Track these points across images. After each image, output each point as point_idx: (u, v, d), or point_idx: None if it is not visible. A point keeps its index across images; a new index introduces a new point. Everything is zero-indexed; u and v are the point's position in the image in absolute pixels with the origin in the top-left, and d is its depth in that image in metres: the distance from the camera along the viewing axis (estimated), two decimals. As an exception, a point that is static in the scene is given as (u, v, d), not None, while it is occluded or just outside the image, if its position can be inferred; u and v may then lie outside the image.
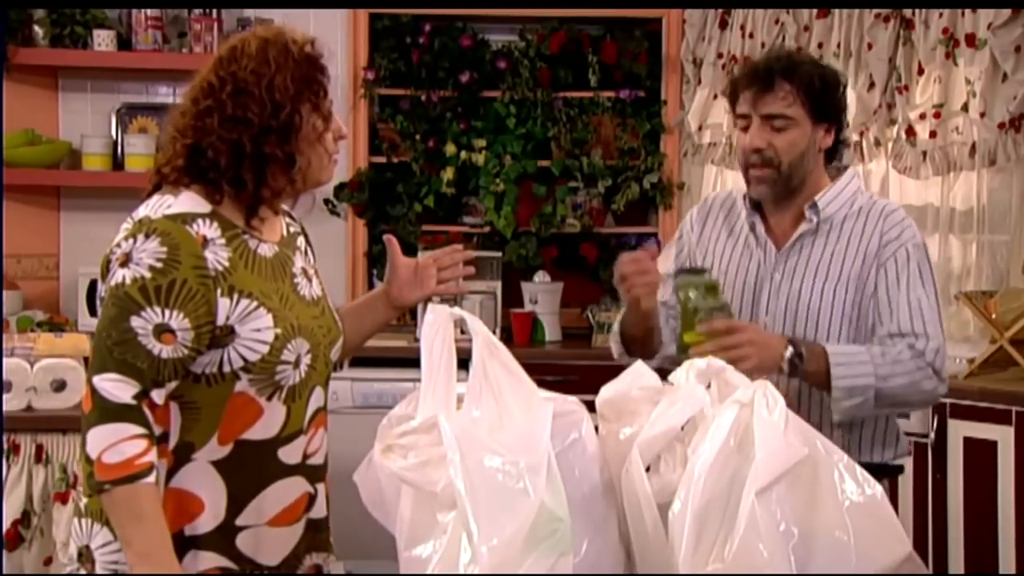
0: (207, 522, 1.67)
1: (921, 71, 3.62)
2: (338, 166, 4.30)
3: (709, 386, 1.48)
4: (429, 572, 1.35)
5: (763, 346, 1.86)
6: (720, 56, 4.01)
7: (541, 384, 1.49)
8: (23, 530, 2.76)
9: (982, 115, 3.52)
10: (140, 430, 1.60)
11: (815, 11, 3.81)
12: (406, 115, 4.08)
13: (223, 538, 1.68)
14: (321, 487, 1.78)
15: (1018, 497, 3.02)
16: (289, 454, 1.72)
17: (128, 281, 1.61)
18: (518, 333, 3.91)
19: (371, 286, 4.18)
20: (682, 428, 1.44)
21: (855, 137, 3.68)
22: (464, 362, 1.46)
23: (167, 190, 1.69)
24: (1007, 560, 3.04)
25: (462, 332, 1.50)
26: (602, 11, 4.08)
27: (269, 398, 1.69)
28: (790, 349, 1.88)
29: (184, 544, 1.66)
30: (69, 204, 4.17)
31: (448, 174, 4.04)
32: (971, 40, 3.53)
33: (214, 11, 4.01)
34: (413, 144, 4.06)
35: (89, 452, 1.60)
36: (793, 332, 1.99)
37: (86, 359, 2.87)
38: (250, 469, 1.69)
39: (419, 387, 1.49)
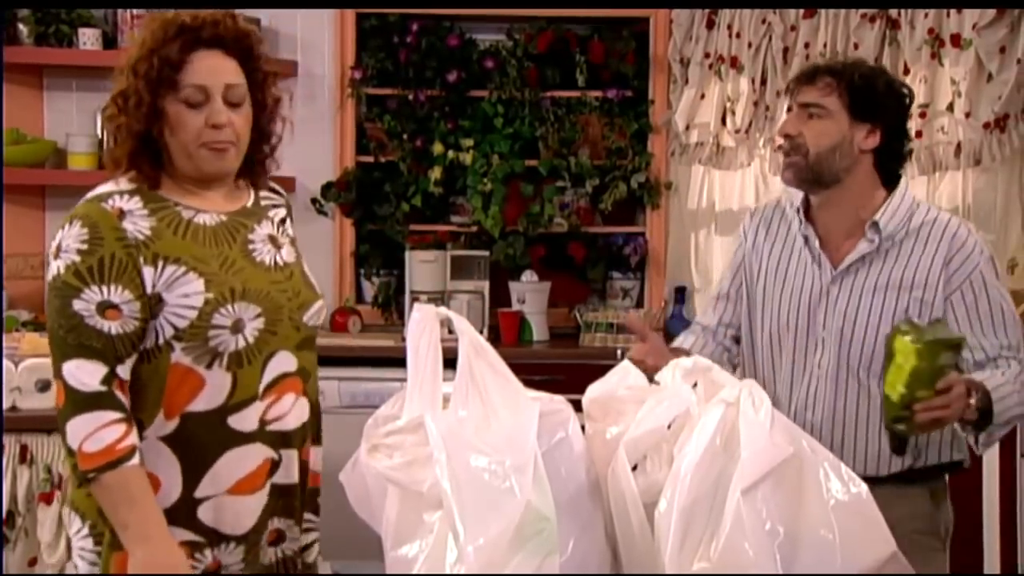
0: (166, 497, 1.67)
1: (907, 71, 3.64)
2: (325, 165, 4.25)
3: (695, 385, 1.49)
4: (415, 572, 1.35)
5: (964, 396, 1.85)
6: (707, 56, 4.02)
7: (528, 384, 1.49)
8: (7, 530, 2.74)
9: (967, 115, 3.54)
10: (116, 415, 1.61)
11: (801, 11, 3.83)
12: (393, 114, 4.08)
13: (184, 512, 1.68)
14: (290, 453, 1.74)
15: (1002, 495, 3.04)
16: (241, 421, 1.70)
17: (62, 270, 1.64)
18: (506, 333, 3.91)
19: (358, 286, 4.17)
20: (668, 427, 1.44)
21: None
22: (451, 362, 1.46)
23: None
24: (992, 557, 3.06)
25: (449, 332, 1.50)
26: (590, 11, 4.08)
27: (208, 366, 1.67)
28: (974, 395, 1.87)
29: None
30: (54, 203, 4.15)
31: (436, 173, 4.03)
32: (956, 40, 3.55)
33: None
34: (400, 143, 4.05)
35: (70, 444, 1.61)
36: (849, 350, 1.99)
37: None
38: (200, 441, 1.68)
39: (405, 387, 1.49)
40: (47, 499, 2.72)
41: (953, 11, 3.55)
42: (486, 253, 4.00)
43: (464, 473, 1.34)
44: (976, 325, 1.98)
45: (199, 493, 1.69)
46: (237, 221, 1.76)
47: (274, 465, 1.73)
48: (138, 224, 1.67)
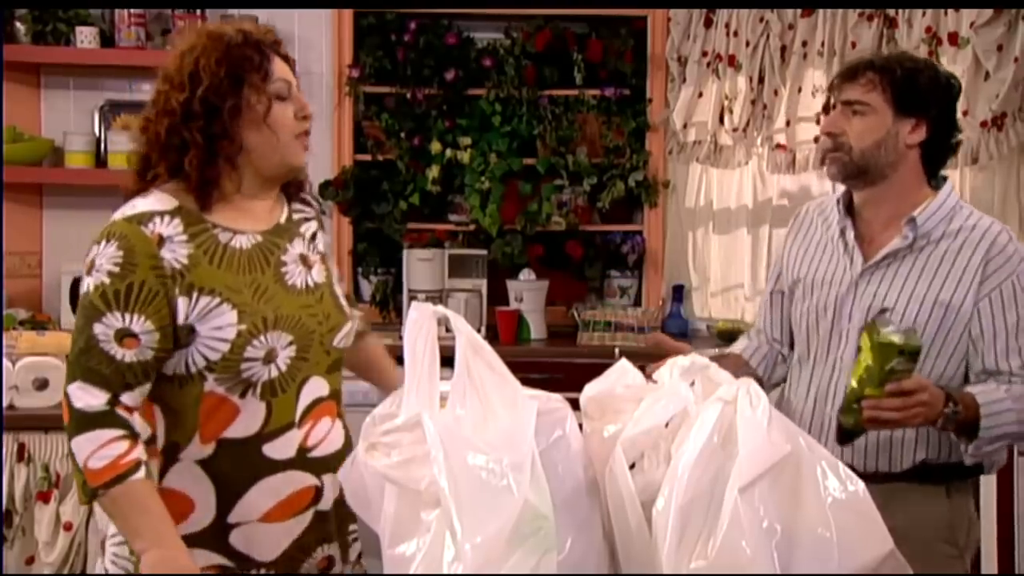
0: (199, 520, 1.67)
1: (904, 70, 3.64)
2: (323, 164, 4.26)
3: (693, 384, 1.49)
4: (413, 570, 1.35)
5: (931, 404, 1.81)
6: (705, 54, 4.02)
7: (526, 382, 1.49)
8: (5, 529, 2.74)
9: (964, 113, 3.54)
10: (118, 432, 1.60)
11: (799, 10, 3.83)
12: (391, 113, 4.08)
13: (216, 536, 1.68)
14: (332, 478, 1.72)
15: (1000, 493, 3.04)
16: (278, 449, 1.69)
17: (92, 288, 1.63)
18: (503, 331, 3.91)
19: (356, 285, 4.17)
20: (666, 425, 1.44)
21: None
22: (448, 360, 1.46)
23: (144, 191, 1.69)
24: (989, 557, 3.06)
25: (447, 330, 1.50)
26: (587, 10, 4.08)
27: (242, 395, 1.67)
28: (950, 406, 1.83)
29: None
30: (52, 202, 4.15)
31: (433, 172, 4.03)
32: (954, 39, 3.55)
33: (198, 9, 4.00)
34: (398, 142, 4.05)
35: (77, 462, 1.61)
36: None
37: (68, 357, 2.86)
38: (235, 467, 1.68)
39: (403, 385, 1.49)
40: (45, 498, 2.72)
41: (951, 10, 3.55)
42: (484, 252, 4.00)
43: (462, 471, 1.34)
44: (1002, 334, 1.92)
45: (231, 518, 1.68)
46: (271, 242, 1.74)
47: (317, 492, 1.73)
48: (176, 252, 1.64)
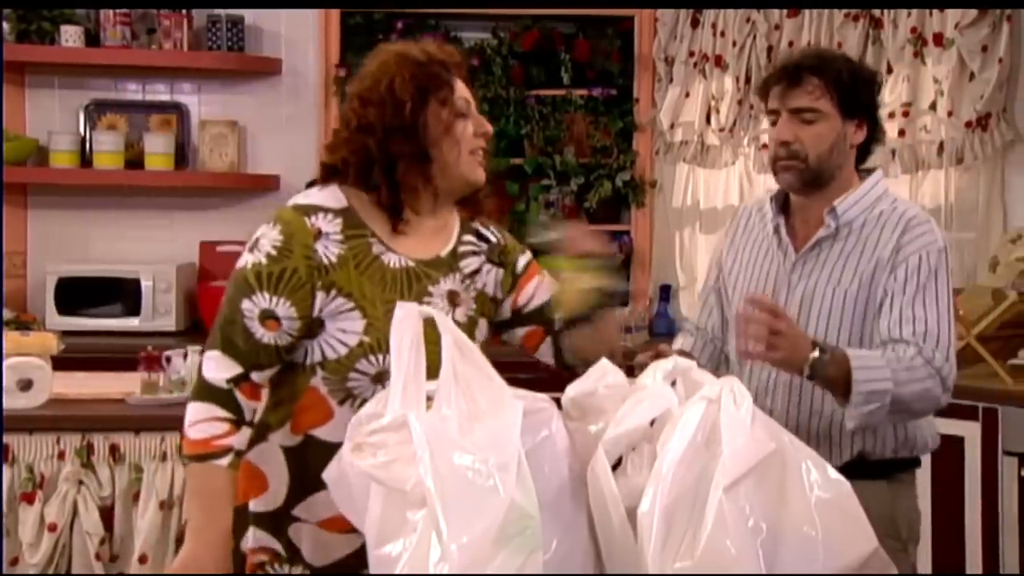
0: (267, 502, 1.73)
1: (890, 70, 3.66)
2: (309, 163, 4.24)
3: (674, 384, 1.49)
4: (398, 571, 1.35)
5: (794, 342, 1.82)
6: (692, 55, 4.03)
7: (513, 382, 1.49)
8: (-11, 531, 2.72)
9: (950, 114, 3.56)
10: (226, 413, 1.66)
11: (786, 11, 3.84)
12: (378, 112, 4.07)
13: (277, 523, 1.73)
14: None
15: (984, 493, 3.05)
16: None
17: (249, 265, 1.69)
18: (491, 331, 3.91)
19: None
20: (652, 423, 1.45)
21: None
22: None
23: (325, 184, 1.78)
24: (974, 556, 3.08)
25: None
26: (575, 10, 4.09)
27: (341, 402, 1.70)
28: (817, 351, 1.84)
29: (248, 518, 1.73)
30: (36, 201, 4.13)
31: (420, 172, 4.03)
32: (939, 39, 3.57)
33: (184, 8, 3.98)
34: (385, 142, 4.04)
35: (185, 423, 1.68)
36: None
37: (53, 358, 2.85)
38: (315, 465, 1.67)
39: (389, 385, 1.49)
40: (29, 499, 2.70)
41: (936, 10, 3.57)
42: (471, 251, 3.99)
43: (448, 471, 1.34)
44: (898, 303, 1.92)
45: (296, 512, 1.72)
46: (424, 271, 1.76)
47: None
48: (328, 248, 1.69)
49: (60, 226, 4.12)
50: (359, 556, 1.71)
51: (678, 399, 1.46)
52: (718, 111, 3.99)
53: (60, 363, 2.85)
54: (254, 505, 1.73)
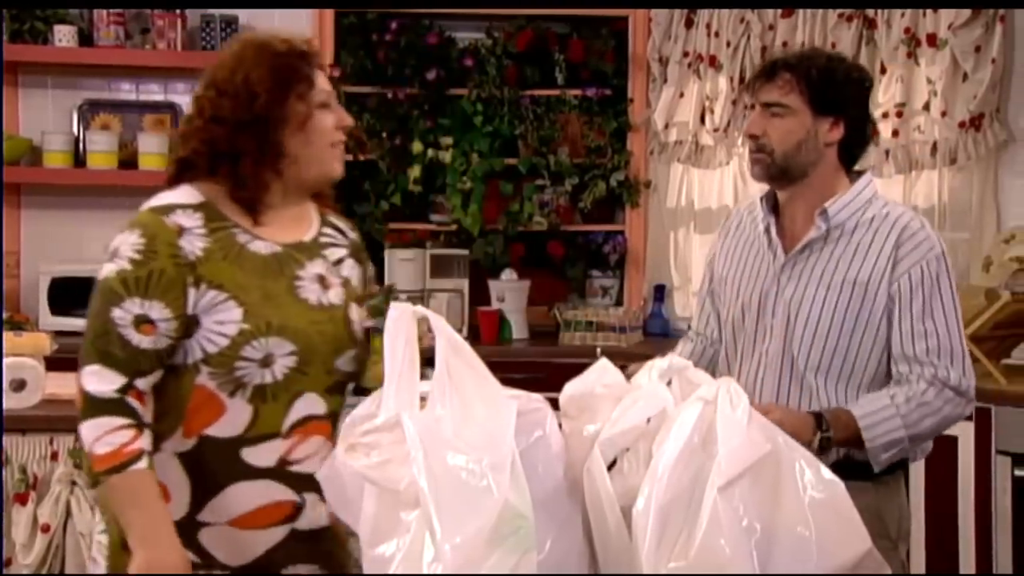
0: (172, 513, 1.67)
1: (883, 70, 3.66)
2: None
3: (670, 383, 1.49)
4: (392, 571, 1.35)
5: (792, 430, 1.72)
6: (686, 55, 4.03)
7: (508, 382, 1.49)
8: (-18, 532, 2.72)
9: (943, 114, 3.56)
10: (126, 420, 1.63)
11: (780, 11, 3.84)
12: (372, 113, 4.06)
13: (185, 531, 1.68)
14: (316, 497, 1.69)
15: (978, 493, 3.06)
16: (256, 456, 1.69)
17: (112, 274, 1.66)
18: (485, 331, 3.91)
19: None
20: (648, 421, 1.45)
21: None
22: (428, 360, 1.46)
23: (174, 186, 1.74)
24: (967, 556, 3.08)
25: (428, 330, 1.50)
26: (569, 10, 4.09)
27: (231, 394, 1.67)
28: (818, 434, 1.83)
29: None
30: (30, 202, 4.12)
31: (415, 172, 4.02)
32: (932, 40, 3.57)
33: (178, 8, 3.98)
34: (380, 142, 4.04)
35: (84, 446, 1.64)
36: (792, 337, 1.98)
37: (47, 358, 2.84)
38: (212, 466, 1.68)
39: (383, 386, 1.49)
40: (22, 500, 2.69)
41: (929, 11, 3.57)
42: (465, 252, 3.99)
43: (441, 471, 1.34)
44: (907, 319, 1.93)
45: (201, 517, 1.69)
46: (291, 255, 1.75)
47: (296, 508, 1.71)
48: (193, 243, 1.67)
49: (53, 226, 4.11)
50: (281, 550, 1.71)
51: (674, 399, 1.46)
52: (712, 111, 3.99)
53: (53, 363, 2.83)
54: None
